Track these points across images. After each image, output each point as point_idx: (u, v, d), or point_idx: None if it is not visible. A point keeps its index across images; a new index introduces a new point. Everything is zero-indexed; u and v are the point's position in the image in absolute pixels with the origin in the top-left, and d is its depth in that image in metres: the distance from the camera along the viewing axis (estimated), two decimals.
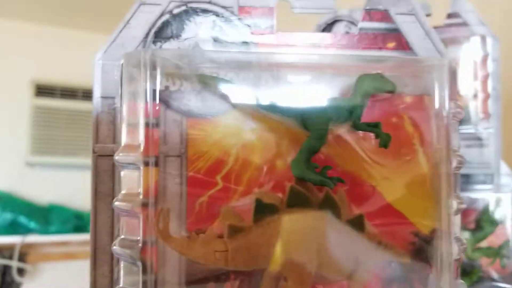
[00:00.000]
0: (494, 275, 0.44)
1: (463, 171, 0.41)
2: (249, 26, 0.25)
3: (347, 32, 0.50)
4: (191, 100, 0.23)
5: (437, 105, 0.23)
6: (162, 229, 0.21)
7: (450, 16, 0.48)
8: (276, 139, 0.23)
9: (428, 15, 0.47)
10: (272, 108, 0.22)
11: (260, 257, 0.21)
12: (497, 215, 0.44)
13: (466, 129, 0.45)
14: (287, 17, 0.29)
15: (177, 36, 0.25)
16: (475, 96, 0.45)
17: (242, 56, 0.24)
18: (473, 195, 0.44)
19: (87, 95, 1.97)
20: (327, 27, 0.51)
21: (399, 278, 0.22)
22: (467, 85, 0.45)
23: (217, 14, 0.25)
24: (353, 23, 0.49)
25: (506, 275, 0.43)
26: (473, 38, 0.46)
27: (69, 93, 1.97)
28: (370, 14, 0.27)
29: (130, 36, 0.25)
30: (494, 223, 0.44)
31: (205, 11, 0.25)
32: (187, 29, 0.25)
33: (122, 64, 0.23)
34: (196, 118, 0.23)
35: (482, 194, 0.44)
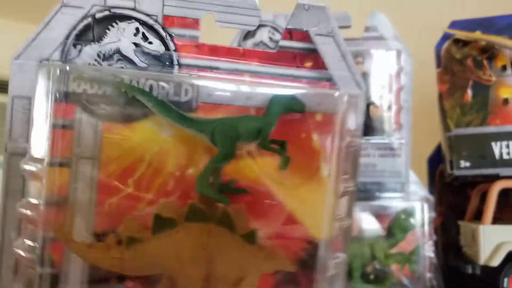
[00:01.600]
0: (405, 281, 0.46)
1: (376, 179, 0.42)
2: (171, 35, 0.26)
3: (270, 38, 0.50)
4: (109, 104, 0.23)
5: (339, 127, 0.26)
6: (63, 232, 0.22)
7: (367, 29, 0.50)
8: (190, 149, 0.24)
9: (347, 26, 0.49)
10: (185, 121, 0.23)
11: (155, 265, 0.23)
12: (408, 222, 0.45)
13: (381, 139, 0.47)
14: (212, 27, 0.28)
15: (99, 40, 0.25)
16: (389, 107, 0.47)
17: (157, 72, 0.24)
18: (385, 202, 0.46)
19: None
20: (251, 32, 0.50)
21: (288, 282, 0.25)
22: (383, 97, 0.47)
23: (140, 22, 0.25)
24: (276, 29, 0.49)
25: (414, 279, 0.45)
26: (389, 52, 0.48)
27: None
28: (291, 33, 0.27)
29: (50, 38, 0.24)
30: (405, 230, 0.46)
31: (128, 17, 0.25)
32: (110, 34, 0.25)
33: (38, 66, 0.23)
34: (112, 123, 0.23)
35: (393, 202, 0.46)
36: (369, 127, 0.47)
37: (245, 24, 0.27)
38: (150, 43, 0.25)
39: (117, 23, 0.25)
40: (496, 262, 0.44)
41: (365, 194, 0.46)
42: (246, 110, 0.25)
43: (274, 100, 0.24)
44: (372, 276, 0.46)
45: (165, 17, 0.26)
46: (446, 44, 0.57)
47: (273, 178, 0.24)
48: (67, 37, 0.25)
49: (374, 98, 0.47)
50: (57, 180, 0.23)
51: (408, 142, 0.47)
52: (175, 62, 0.26)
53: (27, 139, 0.24)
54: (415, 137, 0.51)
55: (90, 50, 0.25)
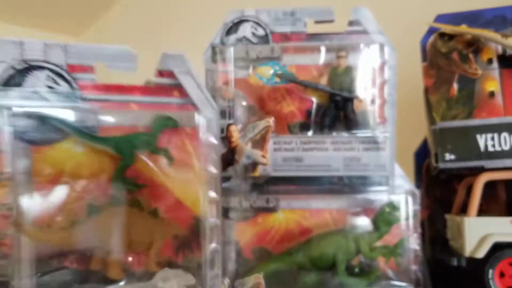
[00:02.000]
0: (390, 273, 0.46)
1: (361, 173, 0.42)
2: (75, 79, 0.36)
3: (253, 34, 0.50)
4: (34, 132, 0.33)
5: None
6: (18, 224, 0.30)
7: (351, 23, 0.50)
8: (100, 160, 0.34)
9: (330, 21, 0.49)
10: (94, 139, 0.34)
11: (90, 239, 0.33)
12: (392, 216, 0.45)
13: (365, 133, 0.47)
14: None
15: (19, 85, 0.34)
16: (373, 101, 0.47)
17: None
18: (370, 196, 0.46)
19: None
20: (233, 26, 0.50)
21: (184, 246, 0.37)
22: (366, 90, 0.47)
23: (50, 70, 0.35)
24: (258, 24, 0.49)
25: (399, 272, 0.45)
26: (373, 46, 0.48)
27: None
28: (161, 73, 0.39)
29: None
30: (390, 223, 0.46)
31: (41, 67, 0.35)
32: (28, 80, 0.34)
33: None
34: (38, 145, 0.33)
35: (378, 196, 0.46)
36: (352, 121, 0.47)
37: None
38: (59, 85, 0.35)
39: (32, 72, 0.34)
40: (481, 253, 0.44)
41: (350, 188, 0.46)
42: (135, 128, 0.36)
43: (156, 119, 0.35)
44: (357, 270, 0.46)
45: (69, 65, 0.36)
46: (431, 38, 0.57)
47: (164, 173, 0.36)
48: None
49: (359, 92, 0.47)
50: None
51: (393, 136, 0.47)
52: (79, 98, 0.36)
53: None
54: (401, 132, 0.51)
55: (13, 94, 0.33)
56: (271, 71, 0.48)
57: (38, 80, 0.34)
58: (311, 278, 0.47)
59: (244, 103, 0.48)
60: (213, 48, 0.50)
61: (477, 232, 0.45)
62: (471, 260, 0.44)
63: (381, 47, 0.48)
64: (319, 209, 0.50)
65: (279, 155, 0.47)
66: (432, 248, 0.54)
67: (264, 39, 0.50)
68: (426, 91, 0.56)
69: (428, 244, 0.56)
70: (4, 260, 0.29)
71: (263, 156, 0.46)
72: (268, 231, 0.50)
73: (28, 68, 0.34)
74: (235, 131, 0.45)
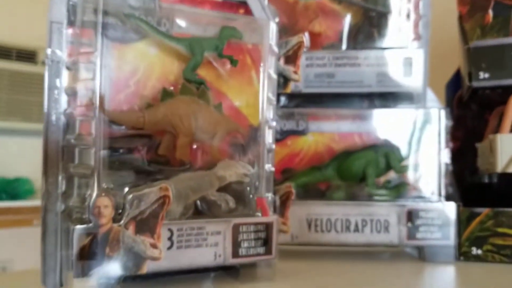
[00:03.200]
0: (420, 187, 0.46)
1: (394, 89, 0.42)
2: None
3: None
4: (118, 30, 0.34)
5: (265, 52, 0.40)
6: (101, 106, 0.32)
7: None
8: (171, 61, 0.37)
9: None
10: (170, 38, 0.36)
11: (163, 122, 0.35)
12: (423, 133, 0.46)
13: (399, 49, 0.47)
14: None
15: None
16: (408, 16, 0.47)
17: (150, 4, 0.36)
18: (403, 112, 0.46)
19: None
20: None
21: (237, 146, 0.39)
22: (402, 6, 0.47)
23: None
24: None
25: (430, 191, 0.46)
26: None
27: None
28: None
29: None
30: (421, 140, 0.46)
31: None
32: None
33: None
34: (120, 43, 0.34)
35: (411, 111, 0.46)
36: (386, 38, 0.47)
37: None
38: None
39: None
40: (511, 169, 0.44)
41: (382, 102, 0.47)
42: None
43: (224, 29, 0.38)
44: (385, 184, 0.46)
45: None
46: None
47: (226, 83, 0.38)
48: None
49: (394, 7, 0.47)
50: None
51: (426, 53, 0.47)
52: (158, 5, 0.36)
53: None
54: (434, 64, 0.51)
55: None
56: None
57: None
58: (339, 194, 0.48)
59: (277, 20, 0.49)
60: None
61: (510, 149, 0.44)
62: (503, 176, 0.44)
63: None
64: (349, 132, 0.50)
65: (311, 71, 0.47)
66: (461, 176, 0.54)
67: None
68: (461, 18, 0.55)
69: (458, 174, 0.56)
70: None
71: (295, 72, 0.47)
72: (297, 154, 0.51)
73: None
74: None
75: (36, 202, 1.55)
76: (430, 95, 0.50)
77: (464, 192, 0.48)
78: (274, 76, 0.40)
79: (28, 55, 2.12)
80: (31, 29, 2.18)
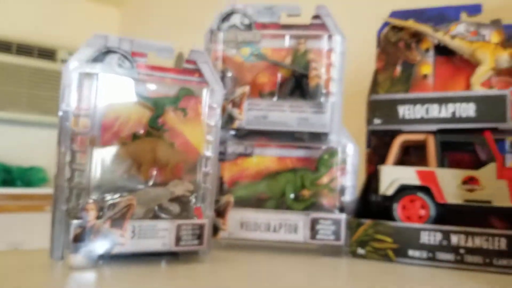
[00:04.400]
0: (324, 202, 0.63)
1: (309, 129, 0.60)
2: (134, 61, 0.55)
3: (241, 22, 0.67)
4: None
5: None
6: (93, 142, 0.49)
7: (313, 17, 0.66)
8: (141, 110, 0.54)
9: (297, 15, 0.65)
10: (142, 97, 0.54)
11: (133, 154, 0.54)
12: (330, 161, 0.62)
13: (316, 101, 0.64)
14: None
15: (101, 61, 0.53)
16: (322, 78, 0.63)
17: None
18: (315, 146, 0.63)
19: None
20: (227, 16, 0.67)
21: (194, 169, 0.56)
22: (318, 70, 0.64)
23: (121, 54, 0.54)
24: (245, 15, 0.66)
25: (331, 203, 0.63)
26: (327, 35, 0.64)
27: None
28: (188, 61, 0.58)
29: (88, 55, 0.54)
30: (328, 167, 0.63)
31: (115, 52, 0.54)
32: (107, 59, 0.54)
33: None
34: None
35: (323, 146, 0.63)
36: (306, 91, 0.64)
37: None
38: (125, 63, 0.54)
39: (110, 54, 0.53)
40: (390, 192, 0.60)
41: (300, 140, 0.63)
42: (167, 94, 0.56)
43: (181, 89, 0.55)
44: (300, 198, 0.63)
45: (132, 52, 0.55)
46: (385, 30, 0.72)
47: (180, 123, 0.55)
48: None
49: (312, 70, 0.64)
50: None
51: (338, 103, 0.64)
52: (136, 72, 0.55)
53: None
54: (361, 105, 0.67)
55: (98, 66, 0.53)
56: (250, 51, 0.65)
57: (112, 60, 0.52)
58: (271, 203, 0.65)
59: (230, 74, 0.66)
60: (211, 32, 0.68)
61: (391, 176, 0.61)
62: (384, 197, 0.61)
63: (330, 37, 0.64)
64: (283, 157, 0.67)
65: (251, 113, 0.64)
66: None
67: (249, 27, 0.67)
68: (376, 71, 0.71)
69: (371, 193, 0.73)
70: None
71: (240, 113, 0.64)
72: (244, 170, 0.68)
73: (108, 52, 0.53)
74: None
75: (48, 190, 1.68)
76: (344, 132, 0.66)
77: (367, 207, 0.65)
78: (212, 123, 0.57)
79: (48, 53, 2.31)
80: (51, 29, 2.37)
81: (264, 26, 0.67)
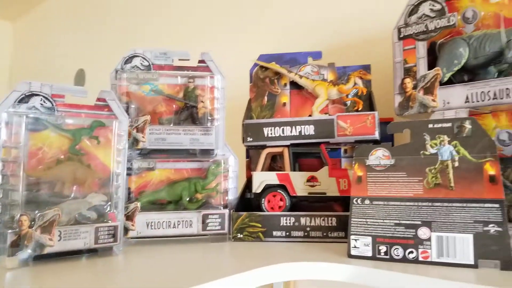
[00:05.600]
0: (213, 202, 0.83)
1: (199, 147, 0.78)
2: (54, 101, 0.71)
3: (141, 63, 0.84)
4: (33, 125, 0.67)
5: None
6: (24, 170, 0.54)
7: (199, 61, 0.86)
8: (62, 139, 0.70)
9: (187, 59, 0.84)
10: (62, 129, 0.70)
11: (57, 176, 0.69)
12: (216, 170, 0.83)
13: (204, 125, 0.83)
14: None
15: (27, 102, 0.69)
16: (208, 108, 0.83)
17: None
18: (204, 159, 0.83)
19: None
20: (129, 59, 0.84)
21: (107, 183, 0.71)
22: (205, 102, 0.84)
23: (43, 96, 0.69)
24: (145, 58, 0.84)
25: (217, 201, 0.83)
26: (210, 75, 0.85)
27: None
28: (99, 99, 0.74)
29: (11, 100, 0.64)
30: (214, 175, 0.83)
31: (38, 94, 0.69)
32: (31, 100, 0.69)
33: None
34: (34, 132, 0.67)
35: (211, 159, 0.83)
36: (196, 118, 0.83)
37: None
38: (46, 103, 0.69)
39: (33, 97, 0.67)
40: (259, 190, 0.82)
41: (193, 155, 0.82)
42: (83, 125, 0.70)
43: (94, 121, 0.71)
44: (194, 200, 0.83)
45: (52, 94, 0.69)
46: (255, 69, 0.95)
47: (95, 148, 0.71)
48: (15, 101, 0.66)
49: (200, 103, 0.83)
50: None
51: (221, 127, 0.84)
52: (56, 110, 0.69)
53: None
54: (227, 125, 0.88)
55: (23, 106, 0.66)
56: (150, 88, 0.83)
57: (36, 101, 0.67)
58: (170, 206, 0.83)
59: (134, 106, 0.83)
60: (116, 71, 0.84)
61: (259, 179, 0.83)
62: (255, 194, 0.83)
63: (214, 76, 0.84)
64: (181, 169, 0.86)
65: (152, 136, 0.82)
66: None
67: (148, 68, 0.85)
68: (250, 100, 0.93)
69: (248, 192, 0.95)
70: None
71: (143, 137, 0.81)
72: (148, 182, 0.85)
73: (32, 95, 0.67)
74: None
75: None
76: (227, 148, 0.87)
77: (245, 203, 0.86)
78: (120, 147, 0.73)
79: None
80: None
81: (160, 67, 0.85)
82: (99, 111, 0.73)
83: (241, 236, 0.81)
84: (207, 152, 0.84)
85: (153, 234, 0.79)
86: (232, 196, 0.85)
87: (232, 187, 0.85)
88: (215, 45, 1.23)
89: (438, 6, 0.76)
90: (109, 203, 0.71)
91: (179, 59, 0.85)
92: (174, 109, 0.85)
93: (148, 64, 0.85)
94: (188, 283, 0.51)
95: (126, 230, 0.78)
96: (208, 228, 0.80)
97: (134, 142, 0.81)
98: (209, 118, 0.84)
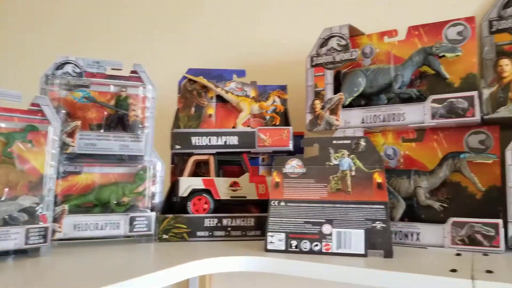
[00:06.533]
0: (140, 205, 0.88)
1: (129, 153, 0.83)
2: None
3: (73, 71, 0.86)
4: None
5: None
6: None
7: (132, 72, 0.91)
8: None
9: (120, 69, 0.89)
10: None
11: None
12: (143, 175, 0.88)
13: (134, 133, 0.88)
14: None
15: None
16: (139, 116, 0.89)
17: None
18: (133, 165, 0.88)
19: None
20: (61, 65, 0.86)
21: (39, 186, 0.73)
22: (136, 110, 0.89)
23: None
24: (77, 65, 0.86)
25: (144, 204, 0.88)
26: (141, 85, 0.90)
27: None
28: (33, 104, 0.76)
29: None
30: (142, 179, 0.88)
31: None
32: None
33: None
34: None
35: (138, 164, 0.88)
36: (127, 125, 0.88)
37: None
38: None
39: None
40: (185, 194, 0.89)
41: (122, 160, 0.87)
42: (16, 129, 0.67)
43: (27, 126, 0.72)
44: (122, 203, 0.87)
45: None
46: (184, 81, 1.02)
47: (28, 151, 0.72)
48: None
49: (132, 111, 0.88)
50: None
51: (150, 134, 0.90)
52: None
53: None
54: (156, 133, 0.94)
55: None
56: (81, 94, 0.86)
57: None
58: (98, 209, 0.86)
59: (64, 111, 0.85)
60: (46, 76, 0.85)
61: (186, 183, 0.90)
62: (181, 198, 0.90)
63: (146, 87, 0.90)
64: (107, 173, 0.89)
65: (82, 141, 0.85)
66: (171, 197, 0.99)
67: (80, 75, 0.88)
68: (178, 110, 1.00)
69: (173, 195, 1.01)
70: None
71: (73, 142, 0.84)
72: (74, 185, 0.87)
73: None
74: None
75: None
76: (155, 155, 0.92)
77: (170, 205, 0.92)
78: (53, 151, 0.76)
79: None
80: None
81: (92, 75, 0.88)
82: (33, 116, 0.74)
83: (167, 236, 0.87)
84: (136, 158, 0.89)
85: (80, 235, 0.81)
86: (158, 199, 0.91)
87: (158, 191, 0.91)
88: (145, 56, 1.27)
89: (343, 42, 0.91)
90: (41, 205, 0.72)
91: (112, 68, 0.89)
92: (105, 115, 0.88)
93: (80, 72, 0.87)
94: (110, 280, 0.54)
95: (53, 232, 0.79)
96: (135, 229, 0.85)
97: (63, 146, 0.83)
98: (140, 126, 0.89)
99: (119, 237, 0.85)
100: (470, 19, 0.84)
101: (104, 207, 0.86)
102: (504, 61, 0.77)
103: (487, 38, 0.88)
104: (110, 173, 0.88)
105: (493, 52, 0.87)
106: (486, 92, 0.77)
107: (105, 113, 0.88)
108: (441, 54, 0.83)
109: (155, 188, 0.90)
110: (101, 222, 0.83)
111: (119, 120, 0.88)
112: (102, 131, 0.87)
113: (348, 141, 0.76)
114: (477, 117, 0.77)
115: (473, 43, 0.83)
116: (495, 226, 0.72)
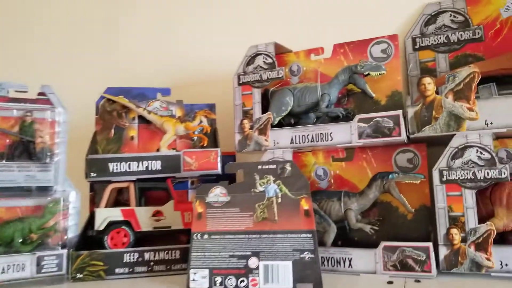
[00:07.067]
0: (50, 242, 0.78)
1: (35, 184, 0.73)
2: None
3: None
4: None
5: None
6: None
7: (39, 94, 0.81)
8: None
9: (25, 92, 0.79)
10: None
11: None
12: (54, 208, 0.79)
13: (43, 161, 0.79)
14: None
15: None
16: (47, 142, 0.79)
17: None
18: (46, 197, 0.78)
19: None
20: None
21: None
22: (43, 136, 0.79)
23: None
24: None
25: (56, 239, 0.79)
26: (48, 109, 0.81)
27: None
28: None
29: None
30: (52, 213, 0.79)
31: None
32: None
33: None
34: None
35: (48, 196, 0.79)
36: (33, 153, 0.79)
37: None
38: None
39: None
40: (102, 227, 0.81)
41: (29, 192, 0.77)
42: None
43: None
44: (28, 241, 0.77)
45: None
46: (102, 101, 0.94)
47: None
48: None
49: (38, 138, 0.79)
50: None
51: (62, 161, 0.81)
52: None
53: None
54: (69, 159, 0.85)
55: None
56: None
57: None
58: (0, 249, 0.76)
59: None
60: None
61: (102, 215, 0.82)
62: (98, 232, 0.81)
63: (55, 110, 0.81)
64: (13, 206, 0.79)
65: None
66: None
67: None
68: (96, 133, 0.92)
69: (89, 229, 0.92)
70: None
71: None
72: None
73: None
74: None
75: None
76: (69, 184, 0.83)
77: (86, 240, 0.83)
78: None
79: None
80: None
81: None
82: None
83: (81, 276, 0.78)
84: (45, 189, 0.79)
85: None
86: (72, 233, 0.82)
87: (72, 224, 0.82)
88: (60, 75, 1.17)
89: (270, 60, 0.87)
90: None
91: (15, 91, 0.80)
92: (8, 143, 0.78)
93: None
94: None
95: None
96: (43, 270, 0.75)
97: None
98: (48, 153, 0.80)
99: (25, 279, 0.75)
100: (393, 37, 0.83)
101: (7, 246, 0.76)
102: (427, 80, 0.76)
103: (411, 55, 0.89)
104: (18, 206, 0.78)
105: (418, 69, 0.88)
106: (411, 111, 0.76)
107: (8, 140, 0.78)
108: (366, 73, 0.81)
109: (68, 221, 0.81)
110: (3, 264, 0.73)
111: (24, 148, 0.79)
112: (4, 161, 0.77)
113: (274, 166, 0.72)
114: (403, 136, 0.75)
115: (397, 61, 0.82)
116: (425, 250, 0.71)
